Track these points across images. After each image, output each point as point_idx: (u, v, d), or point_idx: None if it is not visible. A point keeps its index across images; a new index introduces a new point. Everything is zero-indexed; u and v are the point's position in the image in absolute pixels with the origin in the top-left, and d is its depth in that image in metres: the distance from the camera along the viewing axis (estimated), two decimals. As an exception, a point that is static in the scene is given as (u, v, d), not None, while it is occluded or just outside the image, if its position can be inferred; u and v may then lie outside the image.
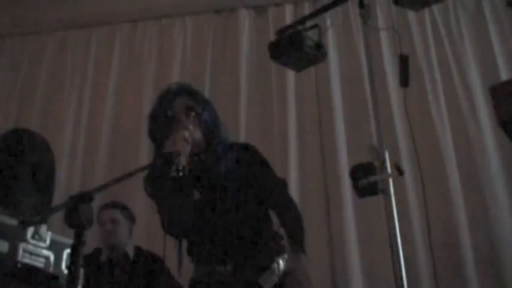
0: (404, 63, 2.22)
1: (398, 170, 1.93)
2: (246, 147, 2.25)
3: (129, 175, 1.98)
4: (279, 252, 2.14)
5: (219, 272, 2.13)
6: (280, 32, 2.54)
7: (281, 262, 2.10)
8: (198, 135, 2.12)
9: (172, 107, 2.16)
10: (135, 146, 4.53)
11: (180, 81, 2.39)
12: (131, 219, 3.61)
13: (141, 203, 4.21)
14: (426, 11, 4.51)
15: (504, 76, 4.28)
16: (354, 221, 4.00)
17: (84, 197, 1.53)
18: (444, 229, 3.80)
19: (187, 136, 2.00)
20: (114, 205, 3.58)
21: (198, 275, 2.21)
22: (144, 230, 4.00)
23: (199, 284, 2.20)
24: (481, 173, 4.01)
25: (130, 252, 3.52)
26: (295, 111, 4.43)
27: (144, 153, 4.43)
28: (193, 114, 2.14)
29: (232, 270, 2.10)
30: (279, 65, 2.71)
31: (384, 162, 2.01)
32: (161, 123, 2.16)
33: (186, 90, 2.23)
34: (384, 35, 4.50)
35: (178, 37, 4.97)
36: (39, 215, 1.88)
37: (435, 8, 4.50)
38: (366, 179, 1.99)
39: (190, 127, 2.07)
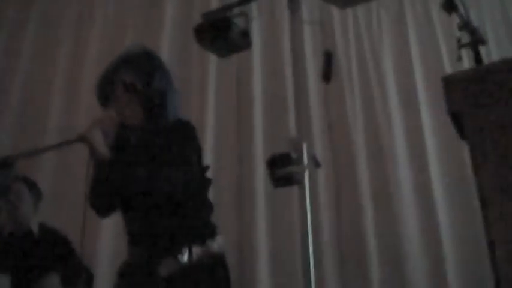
0: (328, 59, 2.25)
1: (315, 162, 1.96)
2: (185, 124, 2.18)
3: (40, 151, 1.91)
4: (197, 240, 2.04)
5: (134, 254, 2.08)
6: (206, 15, 2.50)
7: (194, 250, 2.00)
8: (131, 111, 2.10)
9: (112, 82, 2.14)
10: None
11: (129, 47, 2.28)
12: (37, 194, 3.47)
13: (48, 179, 4.08)
14: (349, 10, 4.61)
15: (419, 78, 4.50)
16: (265, 211, 4.05)
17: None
18: (351, 223, 3.95)
19: (108, 120, 2.03)
20: (19, 178, 3.43)
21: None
22: (51, 207, 3.87)
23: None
24: (390, 176, 4.19)
25: (35, 228, 3.39)
26: (215, 97, 4.40)
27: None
28: (131, 91, 2.11)
29: (143, 254, 2.05)
30: (200, 50, 2.67)
31: (301, 154, 2.03)
32: (101, 98, 2.18)
33: (128, 63, 2.17)
34: (306, 29, 4.56)
35: (98, 12, 4.77)
36: None
37: (358, 7, 4.61)
38: (283, 169, 2.00)
39: (113, 113, 2.04)
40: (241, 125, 4.31)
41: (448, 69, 4.59)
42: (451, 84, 1.60)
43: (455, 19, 4.87)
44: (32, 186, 3.46)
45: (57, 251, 3.33)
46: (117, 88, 2.11)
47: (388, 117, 4.37)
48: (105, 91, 2.15)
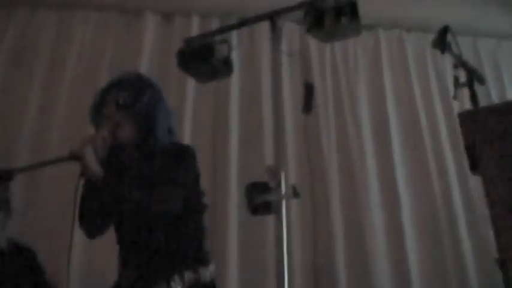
0: (308, 90, 2.27)
1: (295, 192, 1.96)
2: (184, 148, 2.19)
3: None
4: (190, 266, 2.03)
5: (125, 276, 2.04)
6: (189, 41, 2.52)
7: (186, 276, 2.00)
8: (124, 129, 2.08)
9: (104, 103, 2.12)
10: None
11: (123, 71, 2.29)
12: (6, 210, 3.40)
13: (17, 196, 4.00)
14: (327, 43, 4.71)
15: (392, 112, 4.59)
16: (237, 239, 4.03)
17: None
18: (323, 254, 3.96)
19: (100, 139, 1.99)
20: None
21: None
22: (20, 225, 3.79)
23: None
24: (362, 208, 4.26)
25: (3, 244, 3.31)
26: (191, 123, 4.37)
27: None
28: (122, 108, 2.10)
29: (134, 276, 2.01)
30: (179, 74, 2.66)
31: (279, 183, 2.03)
32: (94, 119, 2.15)
33: (119, 84, 2.17)
34: (284, 60, 4.60)
35: (77, 30, 4.74)
36: None
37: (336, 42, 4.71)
38: (261, 198, 1.99)
39: (105, 132, 2.00)
40: (217, 152, 4.30)
41: (420, 103, 4.73)
42: (466, 120, 1.68)
43: (428, 55, 5.02)
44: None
45: (25, 267, 3.27)
46: (110, 108, 2.10)
47: (362, 149, 4.47)
48: (98, 111, 2.14)
